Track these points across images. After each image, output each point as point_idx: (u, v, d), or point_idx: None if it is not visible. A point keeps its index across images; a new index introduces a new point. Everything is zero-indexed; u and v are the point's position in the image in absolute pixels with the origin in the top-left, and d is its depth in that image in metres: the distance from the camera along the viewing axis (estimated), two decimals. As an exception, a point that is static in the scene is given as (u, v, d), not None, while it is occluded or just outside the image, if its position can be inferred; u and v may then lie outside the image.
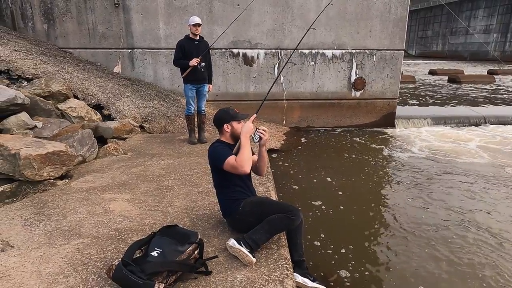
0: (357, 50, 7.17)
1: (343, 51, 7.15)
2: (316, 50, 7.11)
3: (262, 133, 2.32)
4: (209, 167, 2.50)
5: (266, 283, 1.95)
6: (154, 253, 1.89)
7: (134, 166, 3.96)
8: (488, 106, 9.13)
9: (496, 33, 35.70)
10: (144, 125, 5.98)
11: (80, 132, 4.17)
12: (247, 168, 2.20)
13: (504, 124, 7.69)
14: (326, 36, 7.02)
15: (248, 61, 7.11)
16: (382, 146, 6.19)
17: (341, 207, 3.82)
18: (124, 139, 5.16)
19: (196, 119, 5.18)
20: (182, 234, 2.08)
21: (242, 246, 2.13)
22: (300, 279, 2.34)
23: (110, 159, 4.21)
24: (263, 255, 2.22)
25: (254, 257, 2.11)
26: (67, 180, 3.49)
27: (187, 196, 3.14)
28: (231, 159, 2.23)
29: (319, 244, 3.11)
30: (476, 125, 7.65)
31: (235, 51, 7.04)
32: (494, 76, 15.44)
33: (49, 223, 2.63)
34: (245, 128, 2.30)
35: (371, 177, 4.68)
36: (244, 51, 7.05)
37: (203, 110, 5.13)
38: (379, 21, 7.02)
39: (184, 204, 2.97)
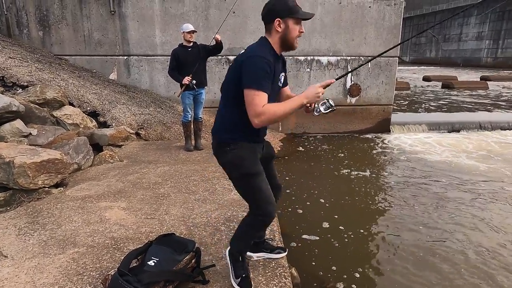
0: (352, 57, 7.22)
1: (339, 58, 7.20)
2: (312, 57, 7.15)
3: (332, 105, 1.78)
4: (205, 175, 2.41)
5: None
6: (151, 262, 1.87)
7: (130, 173, 3.94)
8: (482, 112, 9.21)
9: (488, 40, 36.23)
10: (140, 132, 5.96)
11: (75, 140, 4.14)
12: (261, 124, 1.63)
13: (503, 129, 7.75)
14: (322, 43, 7.07)
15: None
16: (378, 152, 6.21)
17: (341, 226, 3.81)
18: (120, 146, 5.14)
19: (192, 126, 5.16)
20: (179, 242, 2.06)
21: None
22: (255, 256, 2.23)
23: (105, 166, 4.19)
24: (260, 263, 2.21)
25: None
26: (62, 188, 3.46)
27: (184, 204, 3.12)
28: (261, 97, 1.59)
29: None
30: (472, 130, 7.71)
31: (231, 58, 7.06)
32: (487, 82, 15.62)
33: (44, 232, 2.60)
34: (312, 90, 1.69)
35: (367, 188, 4.69)
36: (240, 58, 7.08)
37: (200, 117, 5.12)
38: (373, 28, 7.10)
39: (180, 212, 2.95)
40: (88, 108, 5.74)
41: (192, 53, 4.72)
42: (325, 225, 3.52)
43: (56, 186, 3.46)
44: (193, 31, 4.66)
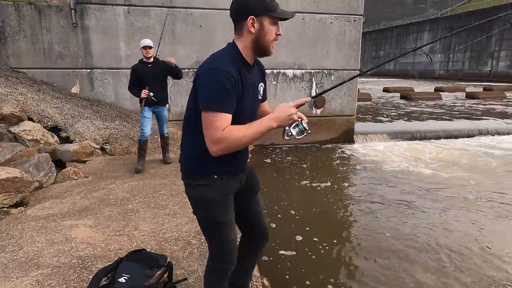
0: (316, 70, 7.50)
1: (303, 71, 7.45)
2: (278, 70, 7.35)
3: (305, 128, 1.48)
4: (174, 188, 2.15)
5: (237, 302, 1.96)
6: (122, 279, 1.85)
7: (96, 190, 3.83)
8: (439, 121, 9.82)
9: (440, 54, 38.91)
10: (106, 147, 5.80)
11: (36, 157, 3.97)
12: (220, 152, 1.35)
13: (456, 138, 8.31)
14: (287, 57, 7.30)
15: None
16: (342, 163, 6.44)
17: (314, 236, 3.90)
18: (84, 162, 4.97)
19: (160, 141, 5.06)
20: (150, 258, 2.05)
21: None
22: None
23: (69, 183, 4.04)
24: (233, 274, 2.23)
25: None
26: (22, 208, 3.30)
27: (154, 219, 3.08)
28: (219, 119, 1.32)
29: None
30: (429, 139, 8.21)
31: (198, 71, 7.09)
32: (441, 93, 16.71)
33: (3, 254, 2.47)
34: (282, 111, 1.39)
35: (335, 198, 4.84)
36: (207, 71, 7.12)
37: (166, 133, 5.03)
38: (335, 43, 7.43)
39: (150, 228, 2.91)
40: (49, 123, 5.51)
41: (151, 69, 4.59)
42: (298, 238, 3.52)
43: (16, 205, 3.29)
44: (149, 47, 4.49)
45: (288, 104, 1.41)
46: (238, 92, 1.39)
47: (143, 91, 4.46)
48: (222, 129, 1.31)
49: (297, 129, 1.48)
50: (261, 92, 1.60)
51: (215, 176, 1.49)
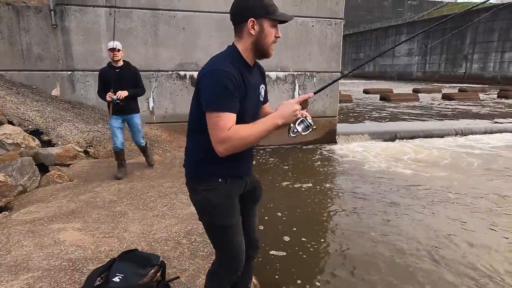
0: (299, 72, 7.65)
1: (286, 73, 7.58)
2: (261, 72, 7.45)
3: (311, 124, 1.49)
4: (162, 190, 2.03)
5: (229, 298, 2.02)
6: (116, 279, 1.88)
7: (82, 193, 3.80)
8: (417, 121, 10.17)
9: (418, 56, 40.10)
10: (89, 150, 5.74)
11: (19, 160, 3.91)
12: (226, 152, 1.36)
13: (431, 137, 8.63)
14: (271, 60, 7.34)
15: (196, 82, 7.21)
16: (325, 163, 6.59)
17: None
18: (68, 165, 4.91)
19: (140, 149, 4.89)
20: (143, 257, 2.09)
21: None
22: None
23: (54, 187, 3.99)
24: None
25: None
26: (7, 213, 3.25)
27: (143, 220, 3.10)
28: (224, 118, 1.34)
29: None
30: (409, 138, 8.50)
31: (182, 73, 7.10)
32: (418, 94, 17.25)
33: (-9, 259, 2.44)
34: (287, 108, 1.41)
35: (319, 198, 4.97)
36: (191, 73, 7.13)
37: (143, 142, 4.69)
38: (317, 46, 7.60)
39: (140, 229, 2.94)
40: (30, 127, 5.41)
41: (119, 74, 4.22)
42: (286, 238, 3.58)
43: (0, 210, 3.24)
44: (117, 49, 4.14)
45: (291, 101, 1.42)
46: (240, 93, 1.40)
47: (108, 94, 4.09)
48: (227, 128, 1.33)
49: (302, 125, 1.48)
50: (262, 93, 1.62)
51: (220, 180, 1.50)
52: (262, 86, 1.62)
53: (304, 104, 1.43)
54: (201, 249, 2.62)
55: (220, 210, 1.50)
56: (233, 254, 1.58)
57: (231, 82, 1.35)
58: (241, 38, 1.46)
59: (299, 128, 1.47)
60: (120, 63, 4.28)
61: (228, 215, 1.52)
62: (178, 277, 2.20)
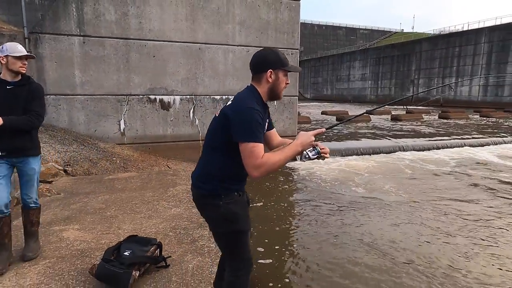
0: (261, 96, 8.52)
1: (250, 97, 8.42)
2: (226, 96, 8.23)
3: (323, 150, 1.81)
4: (145, 199, 2.17)
5: (212, 266, 2.69)
6: (126, 253, 2.49)
7: (72, 203, 4.29)
8: (368, 139, 11.37)
9: (370, 80, 43.27)
10: (67, 168, 6.14)
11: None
12: (260, 175, 1.64)
13: (388, 153, 9.83)
14: (235, 84, 8.24)
15: (165, 106, 7.81)
16: (286, 179, 7.39)
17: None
18: (50, 182, 5.32)
19: (22, 219, 2.98)
20: (144, 239, 2.72)
21: None
22: None
23: (44, 199, 4.43)
24: (205, 249, 2.95)
25: None
26: (7, 220, 3.67)
27: (133, 221, 3.68)
28: (258, 148, 1.63)
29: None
30: (362, 154, 9.60)
31: (152, 97, 7.68)
32: (370, 115, 18.92)
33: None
34: (306, 138, 1.77)
35: (285, 214, 5.59)
36: (160, 97, 7.74)
37: (34, 202, 2.93)
38: (276, 73, 8.55)
39: (131, 227, 3.51)
40: (12, 147, 5.74)
41: (11, 93, 2.73)
42: (260, 249, 3.69)
43: None
44: (27, 56, 2.82)
45: (309, 132, 1.79)
46: (264, 127, 1.77)
47: None
48: (261, 156, 1.62)
49: (313, 152, 1.80)
50: (266, 126, 1.91)
51: (235, 193, 1.82)
52: (268, 120, 1.95)
53: (316, 136, 1.92)
54: (185, 238, 3.26)
55: (241, 218, 1.83)
56: (248, 254, 1.91)
57: (260, 119, 1.69)
58: (260, 83, 1.81)
59: (310, 154, 1.80)
60: (18, 78, 2.79)
61: (246, 222, 1.87)
62: (170, 256, 2.83)
